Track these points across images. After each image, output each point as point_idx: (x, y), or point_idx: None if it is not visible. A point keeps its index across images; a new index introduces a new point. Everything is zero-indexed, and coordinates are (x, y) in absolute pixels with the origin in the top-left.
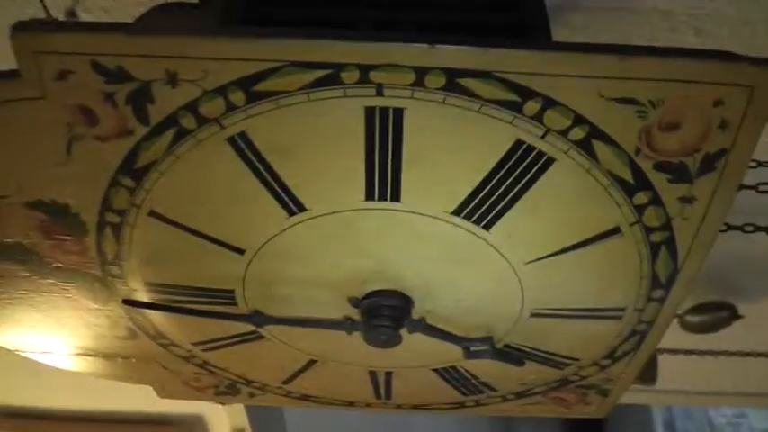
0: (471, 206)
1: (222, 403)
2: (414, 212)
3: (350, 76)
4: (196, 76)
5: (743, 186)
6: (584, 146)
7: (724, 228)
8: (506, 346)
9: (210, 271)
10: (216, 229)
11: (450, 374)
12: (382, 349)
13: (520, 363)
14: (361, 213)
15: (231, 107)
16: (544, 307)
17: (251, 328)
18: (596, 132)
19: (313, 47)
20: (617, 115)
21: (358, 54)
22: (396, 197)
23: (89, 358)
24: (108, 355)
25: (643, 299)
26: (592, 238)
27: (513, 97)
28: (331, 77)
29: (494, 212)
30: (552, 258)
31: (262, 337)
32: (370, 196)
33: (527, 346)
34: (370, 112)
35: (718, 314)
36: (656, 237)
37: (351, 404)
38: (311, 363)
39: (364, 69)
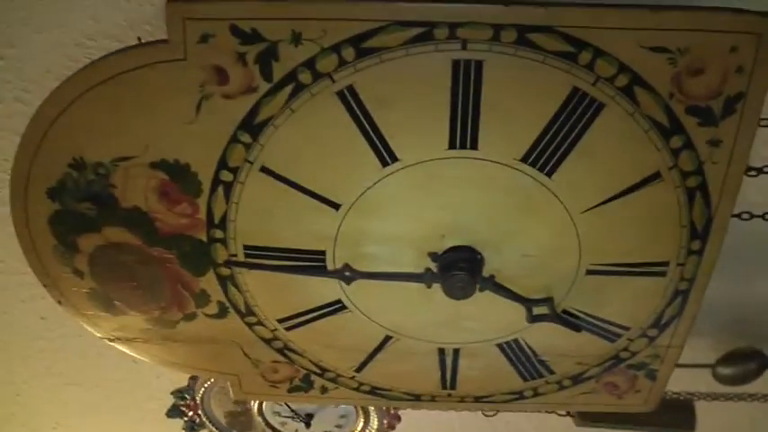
0: (536, 152)
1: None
2: (488, 160)
3: (441, 33)
4: (316, 35)
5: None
6: (628, 92)
7: (747, 216)
8: (565, 312)
9: (307, 228)
10: (317, 183)
11: (511, 350)
12: (451, 325)
13: (577, 328)
14: (444, 162)
15: (342, 62)
16: (598, 262)
17: (335, 297)
18: (637, 79)
19: (414, 8)
20: (653, 63)
21: (448, 13)
22: (474, 145)
23: (175, 344)
24: (194, 339)
25: (684, 251)
26: (637, 184)
27: (569, 48)
28: (425, 34)
29: (555, 158)
30: (604, 207)
31: (344, 308)
32: (452, 145)
33: (583, 312)
34: (456, 64)
35: (747, 365)
36: (690, 181)
37: (417, 398)
38: (387, 340)
39: (452, 26)
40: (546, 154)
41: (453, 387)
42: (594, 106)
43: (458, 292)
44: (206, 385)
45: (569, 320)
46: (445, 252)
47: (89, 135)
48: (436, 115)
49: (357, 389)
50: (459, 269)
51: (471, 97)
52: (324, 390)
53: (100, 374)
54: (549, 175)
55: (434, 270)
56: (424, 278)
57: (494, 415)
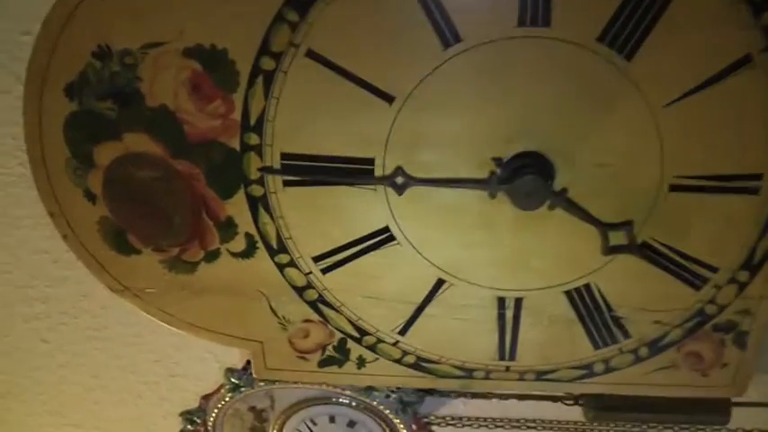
0: (615, 29)
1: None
2: (562, 40)
3: None
4: None
5: None
6: None
7: None
8: (644, 245)
9: (356, 128)
10: (370, 71)
11: (582, 300)
12: (514, 264)
13: (658, 264)
14: (513, 42)
15: None
16: (683, 174)
17: (383, 224)
18: None
19: None
20: None
21: None
22: (546, 21)
23: (193, 298)
24: (216, 289)
25: None
26: (725, 69)
27: None
28: None
29: (635, 37)
30: (688, 100)
31: (392, 239)
32: (522, 22)
33: (665, 245)
34: None
35: None
36: None
37: (470, 374)
38: (439, 285)
39: None
40: (626, 32)
41: (513, 356)
42: None
43: (527, 198)
44: (219, 406)
45: (651, 254)
46: (512, 158)
47: (119, 16)
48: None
49: (399, 360)
50: (527, 172)
51: None
52: (361, 362)
53: (101, 414)
54: (628, 57)
55: (500, 174)
56: (488, 184)
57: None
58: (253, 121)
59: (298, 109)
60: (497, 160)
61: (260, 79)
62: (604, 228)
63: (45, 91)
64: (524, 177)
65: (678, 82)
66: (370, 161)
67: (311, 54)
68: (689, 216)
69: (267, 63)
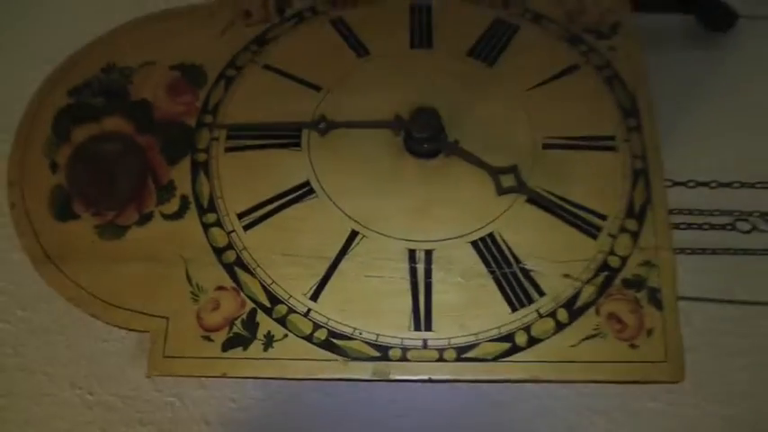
0: (477, 50)
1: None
2: (442, 54)
3: None
4: None
5: None
6: (535, 20)
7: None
8: (536, 195)
9: (291, 107)
10: (306, 73)
11: (489, 251)
12: (421, 213)
13: (550, 210)
14: (408, 53)
15: (334, 5)
16: (551, 136)
17: (304, 179)
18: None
19: None
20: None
21: None
22: (429, 45)
23: (113, 266)
24: (139, 255)
25: (623, 127)
26: (563, 71)
27: None
28: None
29: (492, 55)
30: (543, 87)
31: (311, 192)
32: (412, 45)
33: (552, 193)
34: (411, 6)
35: None
36: (604, 72)
37: (385, 353)
38: (353, 237)
39: None
40: (486, 51)
41: (429, 326)
42: (513, 27)
43: (424, 140)
44: None
45: (540, 195)
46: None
47: (133, 47)
48: (400, 28)
49: (310, 337)
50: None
51: (423, 19)
52: (268, 341)
53: None
54: (490, 65)
55: (403, 118)
56: (393, 124)
57: None
58: (210, 107)
59: (248, 98)
60: (399, 116)
61: (222, 81)
62: (495, 171)
63: (53, 91)
64: (423, 113)
65: (532, 77)
66: (300, 126)
67: (266, 66)
68: (566, 168)
69: (230, 72)
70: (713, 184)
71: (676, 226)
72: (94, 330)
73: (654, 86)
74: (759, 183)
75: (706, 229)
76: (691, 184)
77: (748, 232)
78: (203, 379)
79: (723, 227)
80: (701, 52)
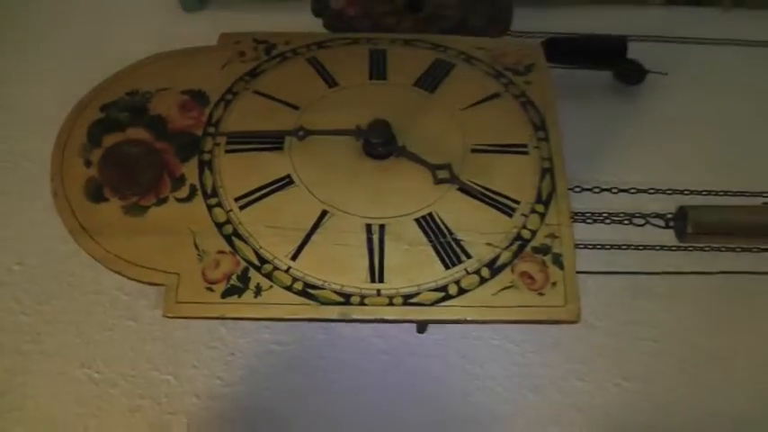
0: (421, 82)
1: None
2: (393, 85)
3: (363, 42)
4: (302, 42)
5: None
6: (467, 60)
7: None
8: (465, 185)
9: (275, 121)
10: (288, 97)
11: (429, 225)
12: (376, 198)
13: (476, 196)
14: (369, 84)
15: (309, 48)
16: (478, 143)
17: (286, 172)
18: (470, 57)
19: (344, 36)
20: (477, 53)
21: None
22: (384, 77)
23: (136, 237)
24: (157, 229)
25: (534, 138)
26: (487, 97)
27: (436, 46)
28: (354, 40)
29: (432, 85)
30: (472, 108)
31: (291, 182)
32: (371, 77)
33: (478, 184)
34: (370, 51)
35: None
36: (521, 98)
37: (347, 299)
38: (323, 215)
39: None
40: (428, 83)
41: (381, 278)
42: (450, 64)
43: (382, 148)
44: None
45: (468, 185)
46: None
47: (152, 77)
48: (361, 65)
49: (290, 287)
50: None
51: (380, 59)
52: (258, 290)
53: None
54: (431, 92)
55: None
56: (357, 132)
57: None
58: (213, 121)
59: (242, 115)
60: (359, 126)
61: (222, 103)
62: (433, 167)
63: (87, 109)
64: (378, 124)
65: (464, 101)
66: (283, 133)
67: (256, 92)
68: (489, 167)
69: (228, 96)
70: (614, 190)
71: (584, 221)
72: (101, 321)
73: (575, 124)
74: (651, 189)
75: (608, 224)
76: (596, 189)
77: (642, 225)
78: (194, 359)
79: (621, 221)
80: (615, 99)
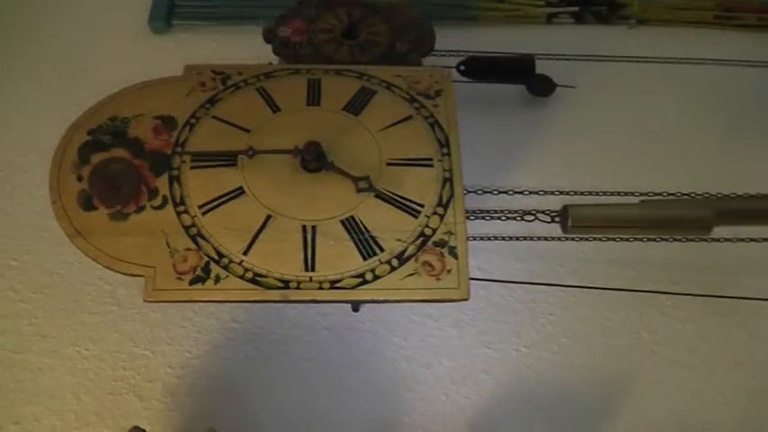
0: (348, 107)
1: (191, 300)
2: (325, 110)
3: (302, 72)
4: (254, 72)
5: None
6: (388, 87)
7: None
8: (380, 192)
9: (229, 142)
10: (239, 121)
11: (351, 226)
12: (310, 204)
13: (389, 201)
14: (306, 110)
15: (259, 79)
16: (391, 158)
17: (239, 185)
18: (390, 85)
19: (287, 66)
20: (396, 81)
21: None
22: (318, 104)
23: (121, 238)
24: (137, 231)
25: (439, 153)
26: (401, 119)
27: (359, 75)
28: (294, 71)
29: (358, 108)
30: (388, 129)
31: (243, 192)
32: (308, 104)
33: (391, 192)
34: (308, 81)
35: None
36: (429, 120)
37: (286, 285)
38: (268, 219)
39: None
40: (354, 108)
41: (313, 268)
42: (373, 91)
43: (314, 163)
44: None
45: (383, 192)
46: (305, 144)
47: (129, 105)
48: (300, 93)
49: (242, 276)
50: (312, 150)
51: (315, 87)
52: (217, 279)
53: None
54: (356, 115)
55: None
56: (294, 152)
57: None
58: (180, 142)
59: (202, 137)
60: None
61: (188, 126)
62: (355, 179)
63: (77, 132)
64: (312, 145)
65: (382, 123)
66: (236, 153)
67: (214, 117)
68: (401, 177)
69: (192, 120)
70: (510, 192)
71: (483, 218)
72: (88, 306)
73: (488, 133)
74: (541, 191)
75: (504, 220)
76: (495, 192)
77: (531, 221)
78: (168, 337)
79: (515, 218)
80: (525, 111)
